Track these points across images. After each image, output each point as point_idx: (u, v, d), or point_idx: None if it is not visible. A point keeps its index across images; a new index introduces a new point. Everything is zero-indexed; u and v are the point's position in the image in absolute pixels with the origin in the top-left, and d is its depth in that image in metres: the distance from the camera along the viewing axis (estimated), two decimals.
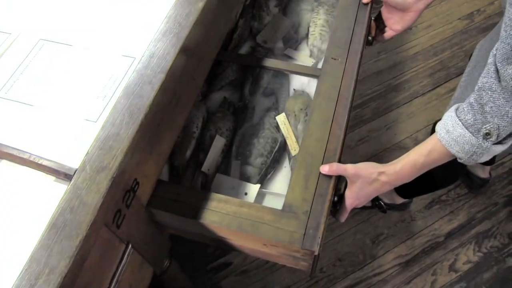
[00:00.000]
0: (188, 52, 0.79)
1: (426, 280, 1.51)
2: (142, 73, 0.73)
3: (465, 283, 1.50)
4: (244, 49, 1.21)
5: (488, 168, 1.65)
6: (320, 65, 1.13)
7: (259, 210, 0.77)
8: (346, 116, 0.88)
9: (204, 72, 0.91)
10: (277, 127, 1.03)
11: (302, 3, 1.27)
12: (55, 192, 0.65)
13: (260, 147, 0.99)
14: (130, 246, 0.74)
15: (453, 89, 1.97)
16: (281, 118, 1.03)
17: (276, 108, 1.09)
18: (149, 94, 0.71)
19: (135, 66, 0.75)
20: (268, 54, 1.17)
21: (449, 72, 2.01)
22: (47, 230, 0.59)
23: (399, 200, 1.57)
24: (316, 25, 1.20)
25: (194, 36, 0.80)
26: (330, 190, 0.78)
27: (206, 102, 1.11)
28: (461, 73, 2.01)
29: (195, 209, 0.79)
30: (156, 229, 0.85)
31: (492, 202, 1.66)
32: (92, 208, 0.61)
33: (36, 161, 0.66)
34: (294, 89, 1.13)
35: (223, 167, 1.00)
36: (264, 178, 0.97)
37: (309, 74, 1.05)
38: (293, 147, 0.98)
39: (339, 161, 0.83)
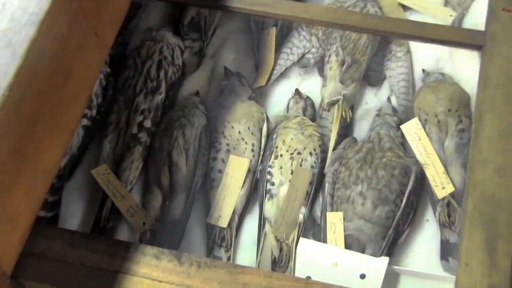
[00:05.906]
0: None
1: None
2: None
3: None
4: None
5: None
6: (467, 23, 0.74)
7: None
8: None
9: (116, 22, 0.57)
10: (403, 145, 0.66)
11: None
12: None
13: (381, 186, 0.61)
14: None
15: None
16: (410, 128, 0.65)
17: (391, 111, 0.72)
18: (8, 64, 0.41)
19: None
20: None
21: None
22: None
23: None
24: None
25: None
26: None
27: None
28: None
29: None
30: None
31: None
32: None
33: None
34: (423, 70, 0.76)
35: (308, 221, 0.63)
36: (393, 245, 0.61)
37: (463, 43, 0.64)
38: (440, 181, 0.63)
39: None
